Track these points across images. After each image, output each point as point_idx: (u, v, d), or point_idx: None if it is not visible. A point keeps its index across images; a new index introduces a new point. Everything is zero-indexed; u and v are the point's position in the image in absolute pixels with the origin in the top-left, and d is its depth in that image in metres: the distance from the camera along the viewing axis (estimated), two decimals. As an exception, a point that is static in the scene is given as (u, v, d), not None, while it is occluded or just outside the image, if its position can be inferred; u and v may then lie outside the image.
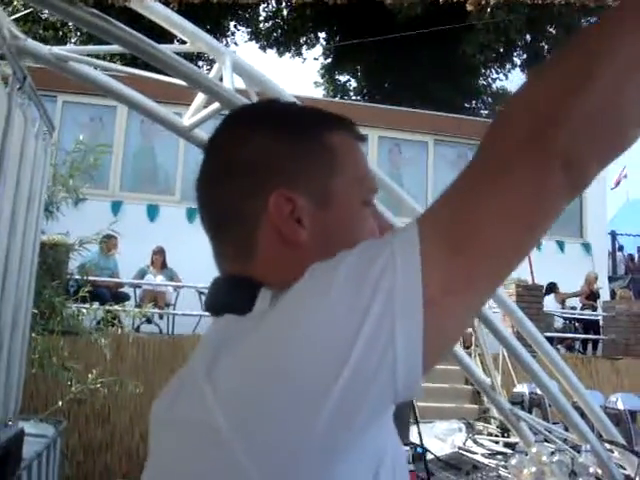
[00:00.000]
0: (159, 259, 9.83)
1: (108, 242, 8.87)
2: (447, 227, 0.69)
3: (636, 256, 16.47)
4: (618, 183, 19.62)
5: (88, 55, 3.18)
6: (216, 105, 2.91)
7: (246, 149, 0.87)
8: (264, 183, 0.84)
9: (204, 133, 3.21)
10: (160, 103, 3.56)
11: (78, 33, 18.04)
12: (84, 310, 6.34)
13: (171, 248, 9.88)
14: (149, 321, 9.30)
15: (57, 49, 3.05)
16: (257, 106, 1.01)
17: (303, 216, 0.83)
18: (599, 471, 3.24)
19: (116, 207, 10.85)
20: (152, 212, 11.19)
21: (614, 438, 3.59)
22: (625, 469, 3.51)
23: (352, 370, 0.64)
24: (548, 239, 12.84)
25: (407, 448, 3.13)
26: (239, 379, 0.68)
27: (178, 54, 2.80)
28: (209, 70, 3.19)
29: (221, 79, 2.97)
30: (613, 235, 15.82)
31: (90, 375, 5.95)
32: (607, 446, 3.51)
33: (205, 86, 2.75)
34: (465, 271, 0.68)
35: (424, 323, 0.65)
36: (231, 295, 0.84)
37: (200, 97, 3.04)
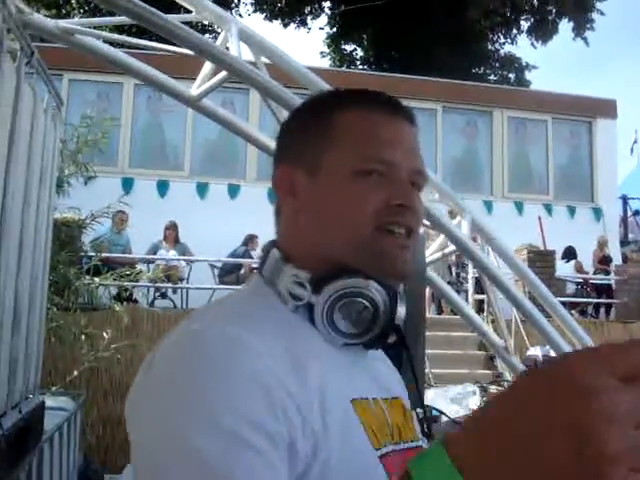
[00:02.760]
0: (172, 234, 9.86)
1: (117, 217, 8.91)
2: None
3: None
4: (632, 149, 19.47)
5: (95, 28, 3.18)
6: (223, 74, 2.91)
7: (283, 129, 1.02)
8: (281, 157, 0.98)
9: (212, 103, 3.21)
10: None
11: (81, 10, 17.95)
12: (97, 280, 6.37)
13: (182, 223, 9.91)
14: (163, 296, 9.38)
15: (63, 22, 3.05)
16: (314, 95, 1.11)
17: (297, 187, 0.92)
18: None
19: (127, 184, 10.88)
20: (162, 188, 11.21)
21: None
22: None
23: None
24: (558, 204, 12.82)
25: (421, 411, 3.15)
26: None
27: (184, 24, 2.79)
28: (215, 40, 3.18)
29: (227, 48, 2.97)
30: (624, 199, 15.74)
31: (106, 336, 5.98)
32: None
33: (212, 54, 2.75)
34: None
35: None
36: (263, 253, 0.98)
37: (207, 66, 3.04)
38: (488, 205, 12.15)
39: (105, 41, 3.29)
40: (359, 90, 0.99)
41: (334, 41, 21.62)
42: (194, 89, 3.09)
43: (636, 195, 16.93)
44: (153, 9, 2.60)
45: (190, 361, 0.76)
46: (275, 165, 0.98)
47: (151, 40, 3.34)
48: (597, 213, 13.10)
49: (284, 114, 3.26)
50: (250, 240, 9.87)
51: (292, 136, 0.99)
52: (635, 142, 18.58)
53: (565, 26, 18.75)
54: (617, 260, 12.47)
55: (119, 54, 3.09)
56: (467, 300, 9.27)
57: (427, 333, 5.87)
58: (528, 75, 21.19)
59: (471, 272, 9.52)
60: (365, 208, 0.88)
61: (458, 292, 8.38)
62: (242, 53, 3.30)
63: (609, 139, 13.60)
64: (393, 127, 0.94)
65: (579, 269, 11.39)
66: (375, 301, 0.87)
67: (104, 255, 7.70)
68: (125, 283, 6.90)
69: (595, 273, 11.76)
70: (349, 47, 21.98)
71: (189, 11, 3.15)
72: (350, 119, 0.93)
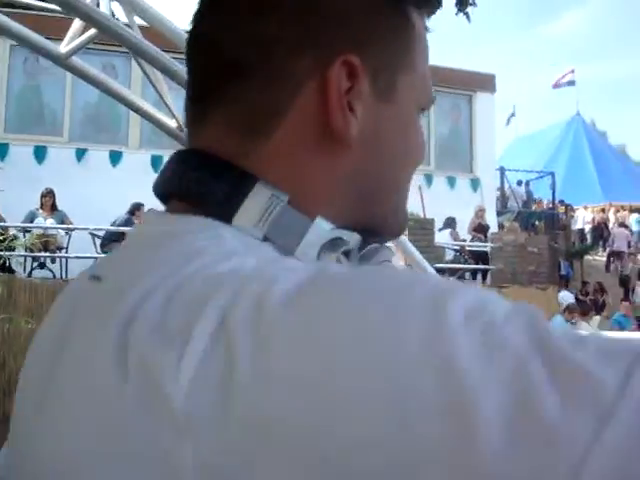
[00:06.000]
0: (49, 201, 9.56)
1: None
2: None
3: (524, 190, 17.17)
4: (509, 120, 20.31)
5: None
6: (92, 31, 2.84)
7: None
8: (325, 34, 0.56)
9: (82, 61, 3.14)
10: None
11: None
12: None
13: (61, 190, 9.62)
14: (42, 266, 9.10)
15: None
16: None
17: (357, 103, 0.56)
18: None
19: (1, 149, 10.43)
20: (40, 153, 10.81)
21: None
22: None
23: None
24: (439, 175, 13.25)
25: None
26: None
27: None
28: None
29: (98, 5, 2.90)
30: (502, 171, 16.40)
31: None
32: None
33: (79, 10, 2.68)
34: None
35: None
36: (206, 182, 0.54)
37: (77, 23, 2.96)
38: (372, 175, 12.42)
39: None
40: None
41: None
42: (63, 46, 3.00)
43: (513, 167, 17.68)
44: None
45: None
46: (307, 37, 0.56)
47: None
48: (475, 184, 13.63)
49: (159, 77, 3.22)
50: (137, 209, 9.63)
51: (354, 7, 0.58)
52: (512, 115, 19.38)
53: (449, 0, 19.21)
54: (494, 228, 13.05)
55: (-19, 7, 2.96)
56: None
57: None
58: (413, 48, 21.61)
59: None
60: (419, 160, 0.66)
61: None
62: (118, 13, 3.24)
63: (488, 112, 14.14)
64: None
65: (455, 237, 11.88)
66: None
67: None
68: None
69: (472, 240, 12.28)
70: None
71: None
72: (421, 28, 0.63)
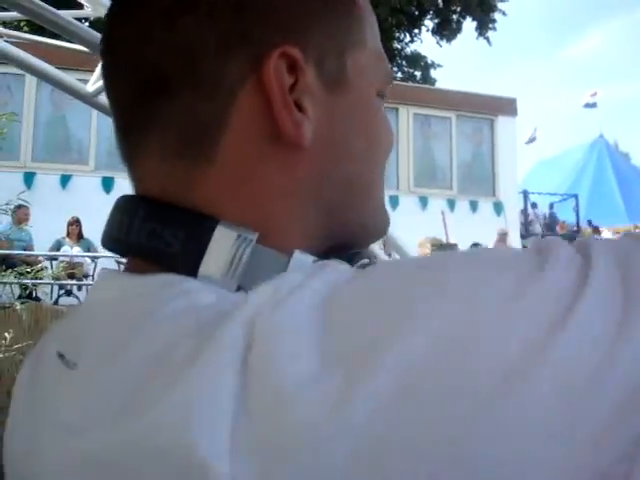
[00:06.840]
0: (75, 230, 9.70)
1: (18, 212, 8.67)
2: None
3: (547, 214, 17.08)
4: (531, 140, 20.25)
5: (-14, 21, 3.12)
6: (119, 70, 2.92)
7: None
8: (254, 28, 0.48)
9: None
10: (67, 70, 3.53)
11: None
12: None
13: (86, 218, 9.74)
14: (68, 293, 9.20)
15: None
16: None
17: (306, 99, 0.49)
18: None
19: (28, 178, 10.60)
20: (66, 182, 10.97)
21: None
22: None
23: None
24: (461, 199, 13.23)
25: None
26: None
27: (80, 20, 2.78)
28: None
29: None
30: (525, 194, 16.35)
31: (8, 336, 5.83)
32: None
33: (106, 51, 2.75)
34: None
35: None
36: (159, 234, 0.47)
37: (103, 63, 3.04)
38: (394, 200, 12.42)
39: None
40: None
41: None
42: (90, 85, 3.07)
43: (537, 190, 17.62)
44: (45, 4, 2.59)
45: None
46: (235, 37, 0.48)
47: (54, 37, 3.31)
48: (498, 207, 13.58)
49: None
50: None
51: (283, 2, 0.50)
52: (534, 139, 19.33)
53: (469, 25, 19.32)
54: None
55: (10, 48, 3.04)
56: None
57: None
58: (433, 73, 21.73)
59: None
60: (388, 150, 0.57)
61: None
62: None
63: (509, 136, 14.13)
64: None
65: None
66: None
67: (4, 252, 7.50)
68: (27, 281, 6.73)
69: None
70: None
71: (84, 6, 3.13)
72: (366, 1, 0.56)
